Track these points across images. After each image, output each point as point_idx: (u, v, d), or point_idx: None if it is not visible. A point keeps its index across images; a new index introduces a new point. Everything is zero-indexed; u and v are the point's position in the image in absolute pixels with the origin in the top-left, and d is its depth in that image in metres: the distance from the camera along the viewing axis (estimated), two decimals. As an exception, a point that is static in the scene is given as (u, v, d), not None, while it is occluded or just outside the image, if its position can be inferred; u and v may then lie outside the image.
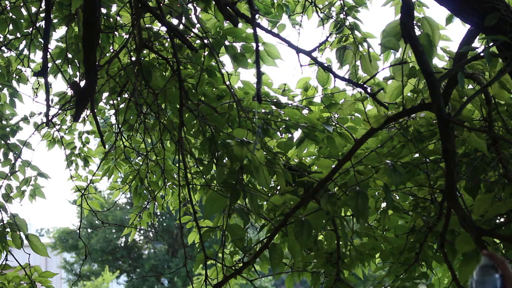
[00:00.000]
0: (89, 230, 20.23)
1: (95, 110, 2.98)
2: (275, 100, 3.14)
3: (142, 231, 18.93)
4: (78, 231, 3.55)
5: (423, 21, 2.43)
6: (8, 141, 3.63)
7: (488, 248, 2.15)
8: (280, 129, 3.06)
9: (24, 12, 3.30)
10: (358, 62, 3.14)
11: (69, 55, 3.36)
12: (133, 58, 3.15)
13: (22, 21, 3.33)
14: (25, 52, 3.51)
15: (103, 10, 3.22)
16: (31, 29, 3.35)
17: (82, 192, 3.73)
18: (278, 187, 3.02)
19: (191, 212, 3.19)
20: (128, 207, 20.13)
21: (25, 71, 3.78)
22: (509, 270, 1.24)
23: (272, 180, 2.86)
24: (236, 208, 2.74)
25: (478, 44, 2.64)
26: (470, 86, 2.63)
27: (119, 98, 3.37)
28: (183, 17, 2.80)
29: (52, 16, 3.17)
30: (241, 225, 2.77)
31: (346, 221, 2.93)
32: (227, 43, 2.96)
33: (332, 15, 3.38)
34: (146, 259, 21.39)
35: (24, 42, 3.53)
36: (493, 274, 1.26)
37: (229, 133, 2.74)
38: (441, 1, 2.18)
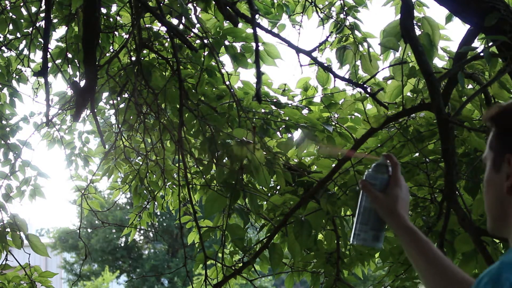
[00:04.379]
0: (89, 230, 20.22)
1: (95, 110, 2.99)
2: (275, 100, 3.14)
3: (142, 231, 18.93)
4: (78, 231, 3.55)
5: (423, 21, 2.43)
6: (8, 141, 3.62)
7: (488, 248, 2.15)
8: (280, 129, 3.06)
9: (24, 12, 3.30)
10: (358, 62, 3.14)
11: (69, 55, 3.37)
12: (133, 58, 3.15)
13: (22, 21, 3.33)
14: (25, 52, 3.51)
15: (103, 10, 3.22)
16: (31, 29, 3.35)
17: (82, 192, 3.73)
18: (278, 187, 3.02)
19: (191, 212, 3.19)
20: (128, 207, 20.12)
21: (25, 71, 3.78)
22: (398, 173, 1.35)
23: (272, 180, 2.86)
24: (236, 208, 2.74)
25: (478, 44, 2.64)
26: (470, 86, 2.63)
27: (119, 98, 3.37)
28: (183, 17, 2.80)
29: (52, 16, 3.17)
30: (241, 225, 2.77)
31: (346, 221, 2.94)
32: (227, 43, 2.96)
33: (332, 15, 3.38)
34: (146, 259, 21.38)
35: (24, 42, 3.53)
36: (385, 173, 1.36)
37: (229, 133, 2.74)
38: (441, 1, 2.18)
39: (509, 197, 1.04)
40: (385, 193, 1.34)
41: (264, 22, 3.40)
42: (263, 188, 2.85)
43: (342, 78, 2.21)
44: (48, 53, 2.96)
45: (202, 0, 2.83)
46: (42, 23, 3.24)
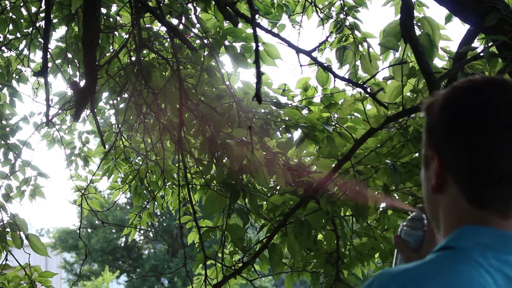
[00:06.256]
0: (89, 230, 20.23)
1: (95, 110, 2.99)
2: (275, 100, 3.14)
3: (142, 231, 18.94)
4: (78, 231, 3.55)
5: (423, 21, 2.43)
6: (8, 141, 3.62)
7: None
8: (280, 129, 3.06)
9: (24, 12, 3.31)
10: (358, 62, 3.14)
11: (69, 55, 3.37)
12: (133, 58, 3.15)
13: (22, 21, 3.34)
14: (25, 52, 3.52)
15: (103, 10, 3.22)
16: (31, 29, 3.36)
17: (82, 192, 3.73)
18: (278, 187, 3.02)
19: (191, 212, 3.19)
20: (128, 207, 20.13)
21: (25, 71, 3.78)
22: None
23: (272, 180, 2.86)
24: (236, 208, 2.74)
25: (478, 44, 2.64)
26: (470, 86, 2.63)
27: (119, 98, 3.37)
28: (183, 17, 2.81)
29: (52, 16, 3.17)
30: (241, 225, 2.76)
31: (346, 221, 2.93)
32: (227, 43, 2.96)
33: (332, 15, 3.38)
34: (146, 259, 21.39)
35: (24, 42, 3.53)
36: (420, 229, 1.28)
37: (229, 133, 2.74)
38: (441, 1, 2.18)
39: (436, 196, 0.97)
40: (419, 252, 1.24)
41: (264, 22, 3.40)
42: (263, 188, 2.84)
43: (342, 78, 2.21)
44: (48, 53, 2.96)
45: (202, 0, 2.83)
46: (42, 23, 3.25)
